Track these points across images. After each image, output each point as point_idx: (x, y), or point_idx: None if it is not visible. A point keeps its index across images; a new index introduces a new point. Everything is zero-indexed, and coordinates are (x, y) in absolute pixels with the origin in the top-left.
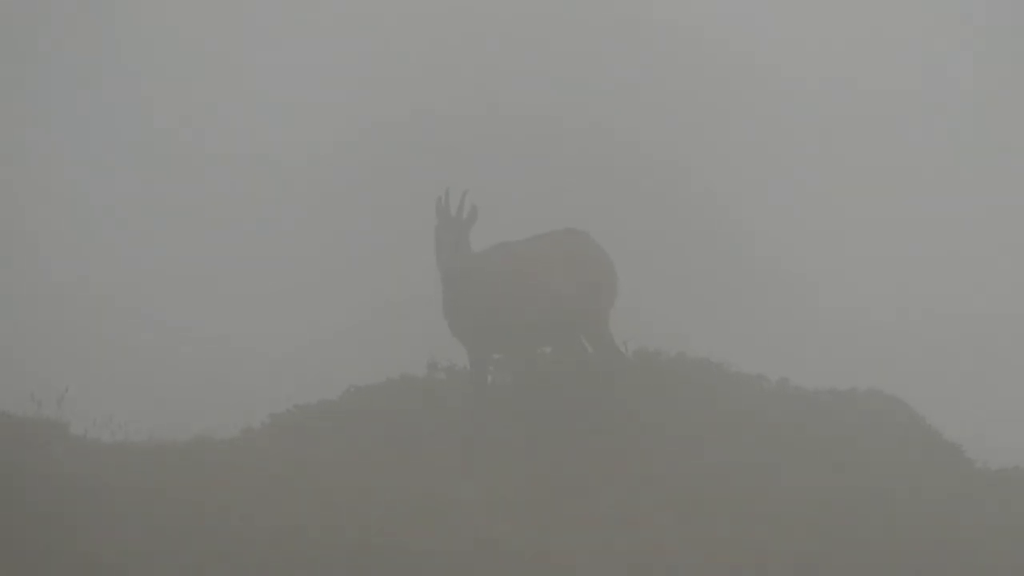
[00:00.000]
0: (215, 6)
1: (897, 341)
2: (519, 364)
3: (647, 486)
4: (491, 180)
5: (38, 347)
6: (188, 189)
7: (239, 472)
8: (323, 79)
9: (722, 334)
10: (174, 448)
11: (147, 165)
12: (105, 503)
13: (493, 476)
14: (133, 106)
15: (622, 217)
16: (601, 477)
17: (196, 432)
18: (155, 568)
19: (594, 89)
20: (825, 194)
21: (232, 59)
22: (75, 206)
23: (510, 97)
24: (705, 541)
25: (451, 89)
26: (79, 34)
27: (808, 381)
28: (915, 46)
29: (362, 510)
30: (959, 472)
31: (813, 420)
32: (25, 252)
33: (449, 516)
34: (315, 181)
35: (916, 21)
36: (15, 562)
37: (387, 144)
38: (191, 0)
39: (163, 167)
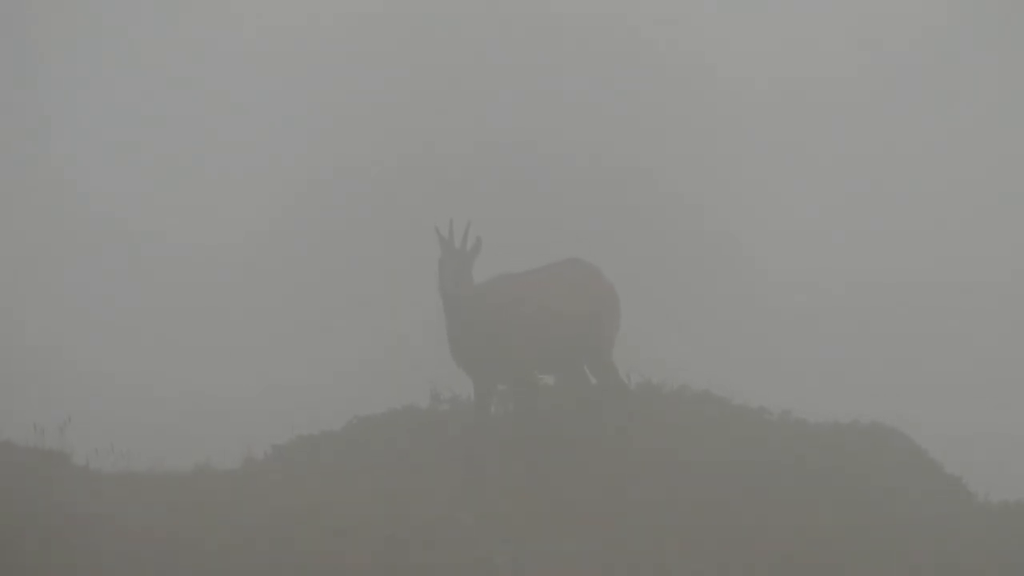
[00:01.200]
0: (205, 32)
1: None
2: (521, 394)
3: (647, 516)
4: (476, 209)
5: (40, 376)
6: (191, 219)
7: (241, 502)
8: (334, 106)
9: (718, 361)
10: (176, 478)
11: (153, 192)
12: (106, 533)
13: (494, 504)
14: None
15: (612, 243)
16: (602, 506)
17: (198, 462)
18: None
19: (576, 113)
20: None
21: (235, 87)
22: (76, 233)
23: (497, 123)
24: (706, 572)
25: (445, 119)
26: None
27: (810, 410)
28: (879, 42)
29: (365, 539)
30: (960, 505)
31: (815, 453)
32: (26, 278)
33: (450, 543)
34: (316, 214)
35: (880, 21)
36: None
37: (382, 178)
38: (183, 26)
39: (167, 191)
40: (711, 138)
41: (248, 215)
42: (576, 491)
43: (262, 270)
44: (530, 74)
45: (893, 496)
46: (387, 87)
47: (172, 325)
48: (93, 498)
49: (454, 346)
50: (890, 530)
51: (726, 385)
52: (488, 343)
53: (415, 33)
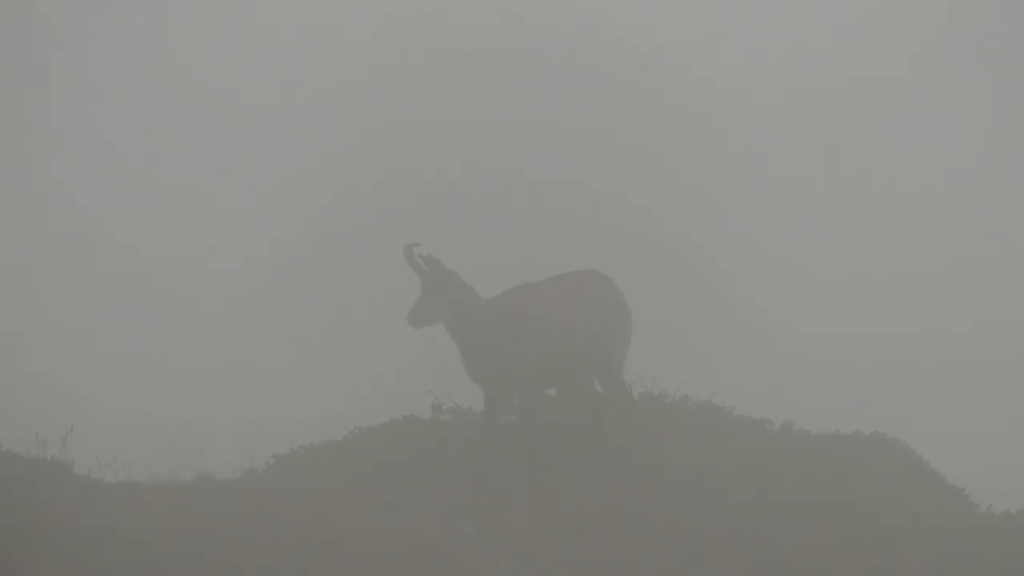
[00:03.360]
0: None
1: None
2: (525, 404)
3: (648, 528)
4: (469, 227)
5: (42, 387)
6: (195, 241)
7: (242, 513)
8: (344, 130)
9: (715, 373)
10: (178, 489)
11: (177, 206)
12: (108, 542)
13: (495, 515)
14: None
15: (604, 257)
16: (602, 518)
17: (200, 472)
18: None
19: (563, 136)
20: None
21: (243, 108)
22: (83, 241)
23: (494, 142)
24: None
25: (443, 139)
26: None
27: (808, 422)
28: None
29: (365, 551)
30: (962, 516)
31: (817, 464)
32: (27, 285)
33: (451, 556)
34: (318, 237)
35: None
36: None
37: (382, 199)
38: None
39: (189, 202)
40: (699, 152)
41: (252, 240)
42: (577, 502)
43: (266, 293)
44: (528, 95)
45: (895, 507)
46: (387, 109)
47: (174, 336)
48: (94, 507)
49: (465, 360)
50: (891, 541)
51: (727, 396)
52: (497, 356)
53: (416, 56)
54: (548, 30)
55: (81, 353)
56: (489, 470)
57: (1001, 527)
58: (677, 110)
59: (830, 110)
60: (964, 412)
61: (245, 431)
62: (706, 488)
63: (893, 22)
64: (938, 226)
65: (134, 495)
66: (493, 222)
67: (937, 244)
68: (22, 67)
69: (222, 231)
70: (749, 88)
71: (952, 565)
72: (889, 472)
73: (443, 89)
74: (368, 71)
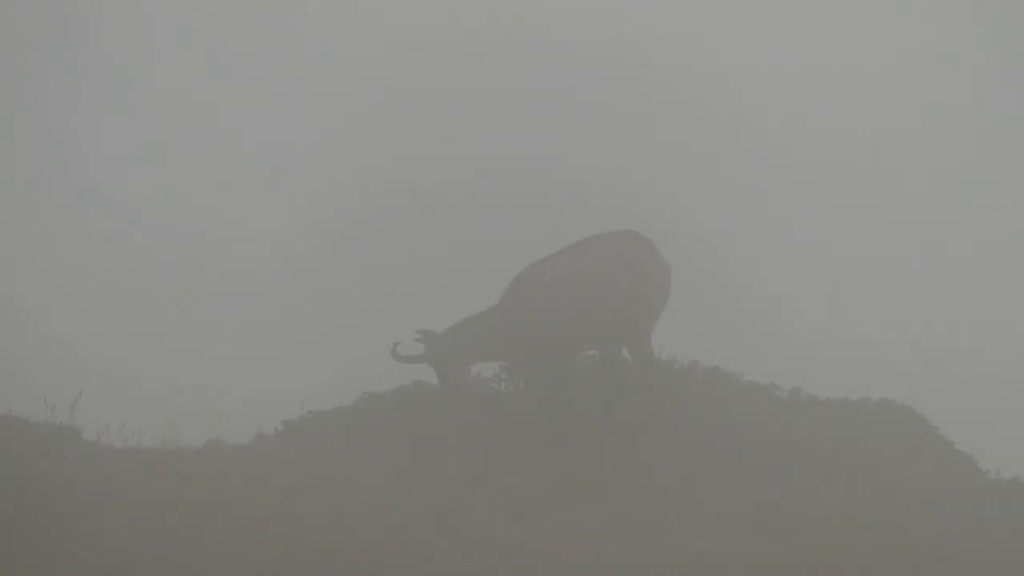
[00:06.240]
0: (205, 68)
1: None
2: (536, 371)
3: (660, 494)
4: (472, 228)
5: (51, 352)
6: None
7: (252, 480)
8: (343, 129)
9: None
10: (187, 454)
11: (179, 195)
12: (116, 506)
13: (506, 483)
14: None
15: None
16: (615, 485)
17: (210, 437)
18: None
19: (564, 128)
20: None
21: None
22: (95, 216)
23: (495, 146)
24: (718, 550)
25: (444, 143)
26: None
27: (819, 392)
28: (876, 72)
29: (375, 518)
30: (971, 482)
31: (826, 430)
32: (37, 256)
33: (462, 524)
34: (334, 227)
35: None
36: (27, 566)
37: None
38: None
39: (199, 196)
40: (697, 151)
41: (252, 240)
42: (589, 470)
43: (265, 292)
44: (528, 95)
45: (904, 471)
46: (387, 109)
47: (184, 304)
48: (103, 472)
49: (516, 333)
50: (901, 505)
51: (733, 363)
52: (527, 334)
53: (425, 58)
54: (548, 30)
55: (90, 328)
56: (501, 436)
57: (1010, 494)
58: (677, 110)
59: (830, 109)
60: (969, 410)
61: (254, 404)
62: (715, 454)
63: (895, 20)
64: (938, 226)
65: (143, 460)
66: (493, 222)
67: (936, 243)
68: (42, 44)
69: (222, 231)
70: (749, 88)
71: (961, 530)
72: (898, 437)
73: (444, 89)
74: (368, 71)
